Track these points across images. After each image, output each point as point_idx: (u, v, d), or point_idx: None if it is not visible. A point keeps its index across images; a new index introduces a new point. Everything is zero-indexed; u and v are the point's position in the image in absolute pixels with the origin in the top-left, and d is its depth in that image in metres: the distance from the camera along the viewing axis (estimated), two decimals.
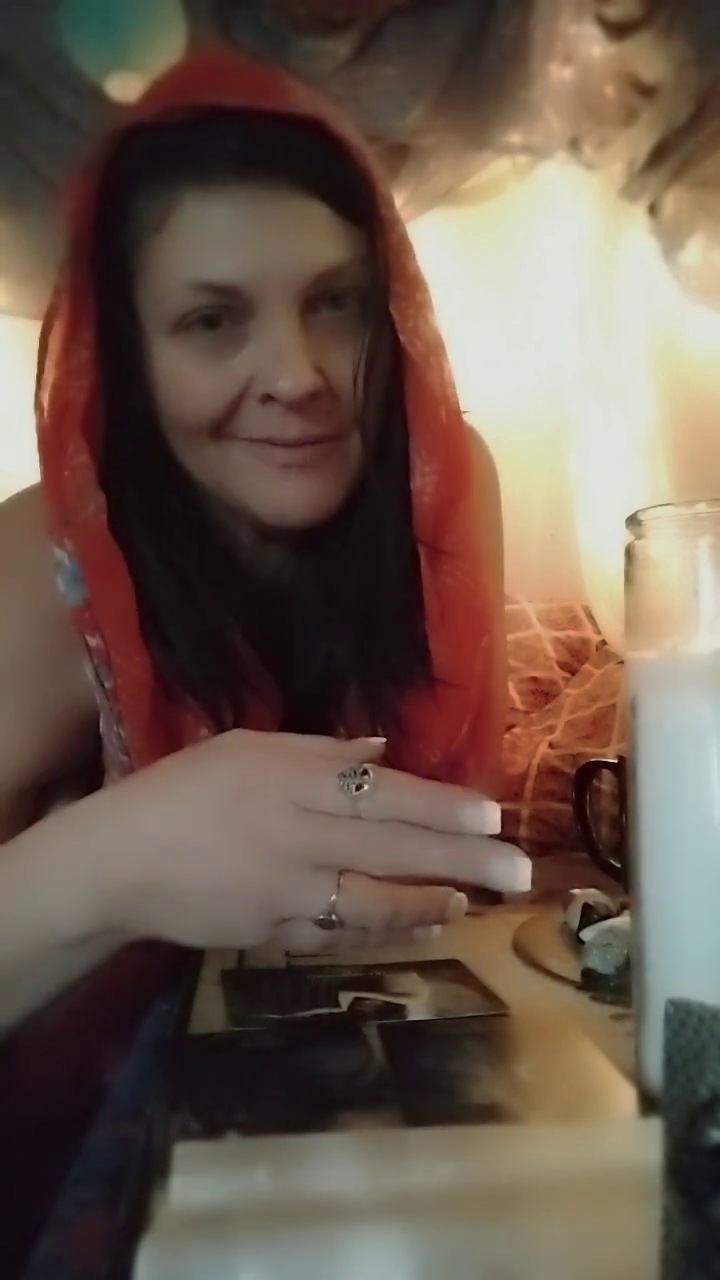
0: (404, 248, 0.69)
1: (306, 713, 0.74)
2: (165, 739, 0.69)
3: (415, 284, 0.69)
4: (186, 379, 0.66)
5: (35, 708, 0.71)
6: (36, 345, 0.71)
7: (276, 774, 0.46)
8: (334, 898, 0.44)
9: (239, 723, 0.69)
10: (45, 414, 0.69)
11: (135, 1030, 0.58)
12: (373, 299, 0.66)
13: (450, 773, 0.76)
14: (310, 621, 0.75)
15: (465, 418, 0.75)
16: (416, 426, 0.70)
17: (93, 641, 0.69)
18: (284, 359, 0.63)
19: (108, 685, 0.70)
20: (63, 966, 0.51)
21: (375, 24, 2.02)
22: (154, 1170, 0.33)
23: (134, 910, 0.48)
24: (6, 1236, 0.38)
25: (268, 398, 0.65)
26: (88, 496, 0.67)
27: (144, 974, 0.65)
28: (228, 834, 0.45)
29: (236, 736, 0.51)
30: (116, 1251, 0.30)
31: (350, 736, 0.75)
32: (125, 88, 1.85)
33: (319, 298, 0.65)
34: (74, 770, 0.74)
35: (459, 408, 0.73)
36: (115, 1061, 0.55)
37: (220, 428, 0.67)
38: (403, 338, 0.68)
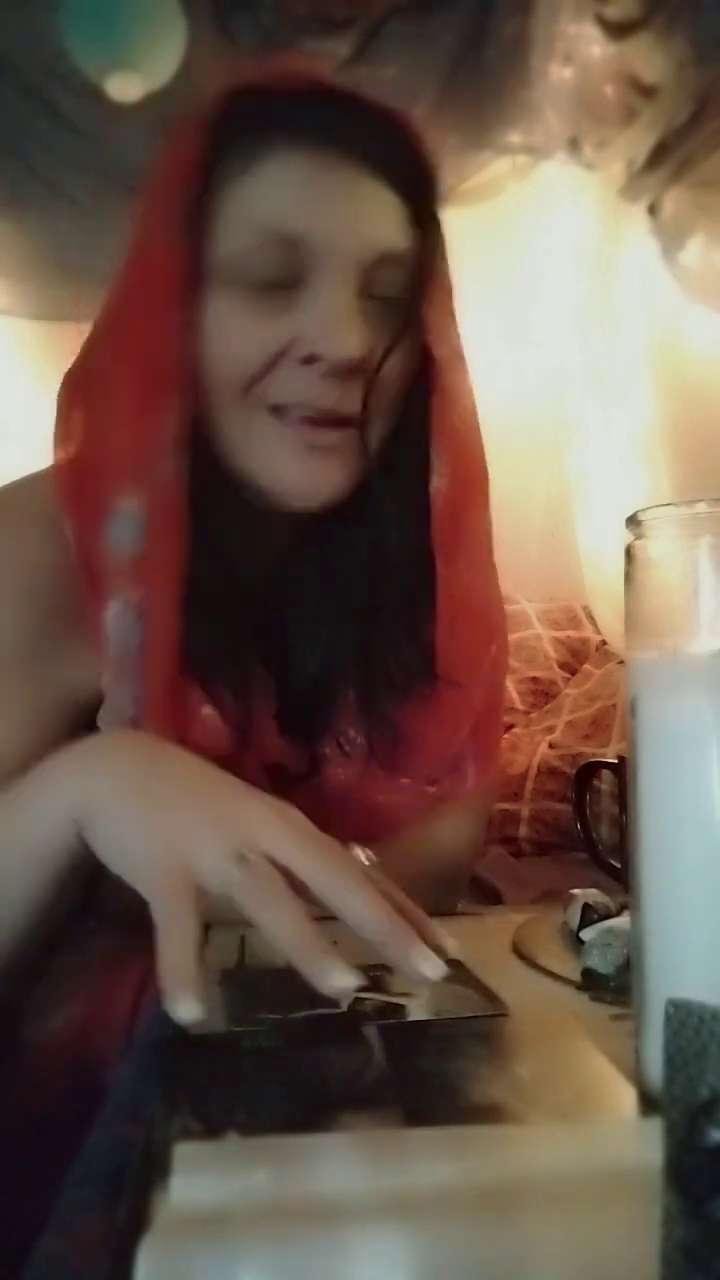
0: (444, 257, 0.72)
1: (300, 709, 0.74)
2: (176, 706, 0.69)
3: (450, 292, 0.72)
4: (232, 330, 0.67)
5: (30, 695, 0.70)
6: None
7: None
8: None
9: (241, 709, 0.70)
10: (123, 371, 0.69)
11: (135, 1030, 0.58)
12: (413, 296, 0.69)
13: (451, 777, 0.76)
14: (309, 617, 0.75)
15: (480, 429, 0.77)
16: (437, 429, 0.72)
17: (136, 594, 0.69)
18: (334, 321, 0.65)
19: (136, 640, 0.69)
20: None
21: (375, 24, 2.02)
22: (154, 1170, 0.33)
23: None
24: (6, 1236, 0.38)
25: (310, 359, 0.66)
26: (170, 454, 0.67)
27: (144, 974, 0.65)
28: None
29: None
30: (116, 1251, 0.30)
31: (344, 738, 0.74)
32: (125, 88, 1.86)
33: (369, 287, 0.67)
34: None
35: (477, 418, 0.75)
36: (115, 1061, 0.55)
37: (253, 388, 0.67)
38: (429, 337, 0.70)
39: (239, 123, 0.67)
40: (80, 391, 0.72)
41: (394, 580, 0.73)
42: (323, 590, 0.75)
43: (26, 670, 0.70)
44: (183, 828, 0.51)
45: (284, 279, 0.66)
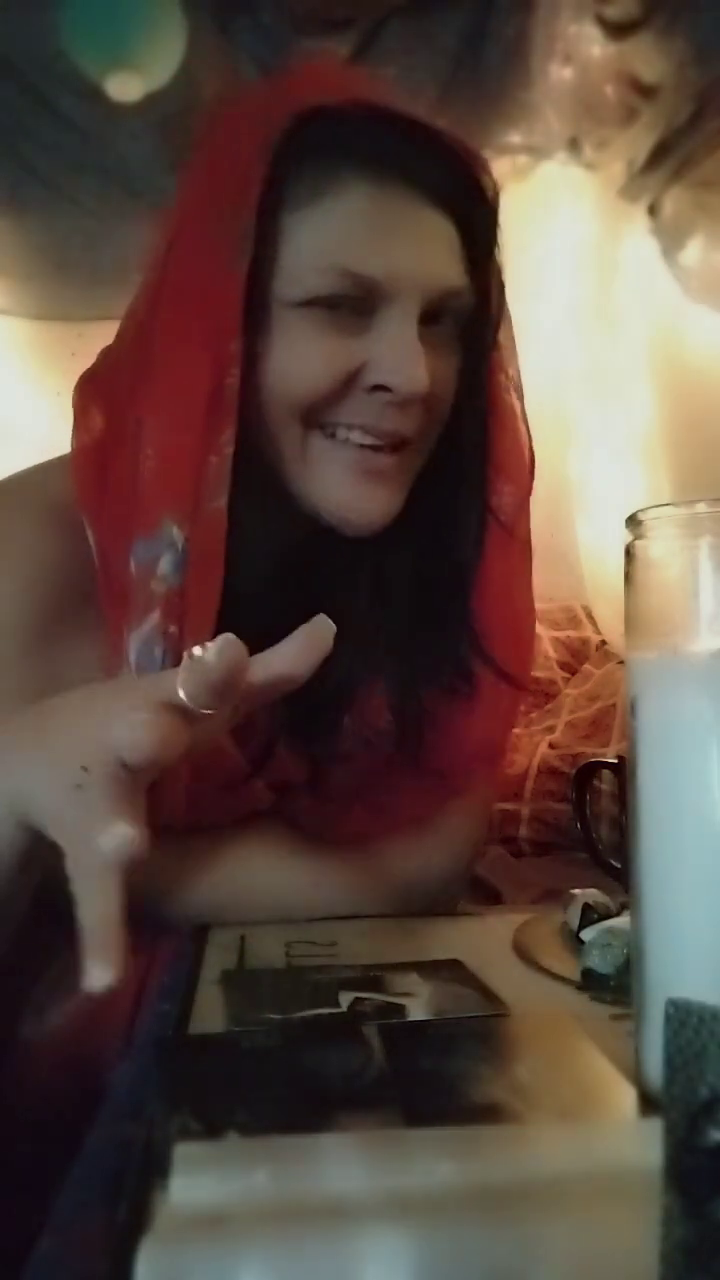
0: (504, 284, 0.74)
1: (313, 712, 0.74)
2: None
3: (509, 319, 0.75)
4: (302, 354, 0.67)
5: (30, 688, 0.70)
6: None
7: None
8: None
9: (260, 739, 0.70)
10: (176, 396, 0.68)
11: (135, 1030, 0.58)
12: (477, 327, 0.72)
13: (459, 775, 0.76)
14: (347, 629, 0.74)
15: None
16: (499, 450, 0.75)
17: (172, 628, 0.67)
18: (408, 357, 0.66)
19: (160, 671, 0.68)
20: None
21: (375, 24, 2.02)
22: (154, 1170, 0.33)
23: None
24: (6, 1236, 0.38)
25: (377, 388, 0.66)
26: (222, 486, 0.67)
27: (144, 974, 0.65)
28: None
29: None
30: (116, 1251, 0.30)
31: (362, 728, 0.74)
32: (125, 88, 1.86)
33: (431, 313, 0.68)
34: None
35: (529, 432, 0.78)
36: (115, 1061, 0.55)
37: (316, 413, 0.68)
38: (497, 365, 0.74)
39: (308, 149, 0.66)
40: (103, 396, 0.71)
41: (442, 587, 0.75)
42: (364, 604, 0.75)
43: (29, 663, 0.70)
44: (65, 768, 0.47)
45: (351, 306, 0.66)
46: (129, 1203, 0.32)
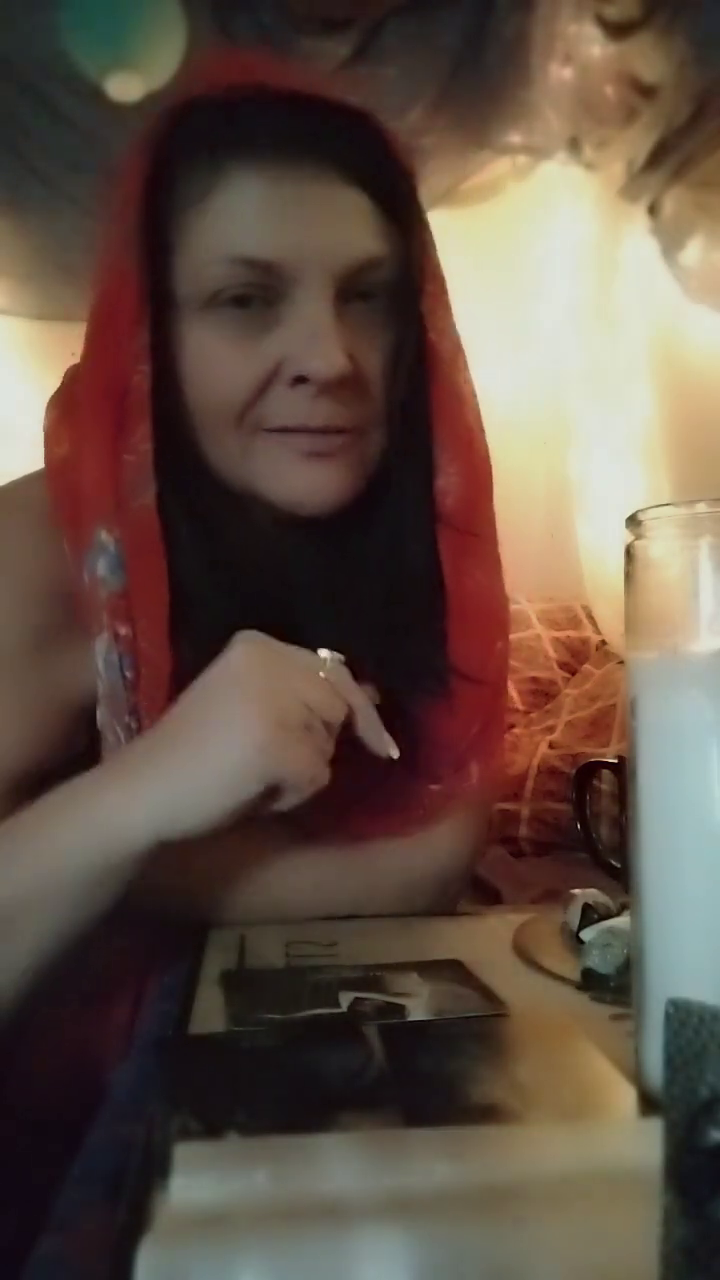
0: (433, 247, 0.70)
1: None
2: None
3: (443, 284, 0.71)
4: (216, 358, 0.66)
5: (30, 697, 0.70)
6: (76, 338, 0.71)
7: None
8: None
9: None
10: (97, 399, 0.68)
11: (135, 1030, 0.58)
12: (404, 296, 0.68)
13: (455, 775, 0.76)
14: (322, 625, 0.74)
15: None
16: (441, 426, 0.71)
17: (123, 630, 0.69)
18: (318, 339, 0.64)
19: (129, 675, 0.69)
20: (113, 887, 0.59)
21: (375, 24, 2.02)
22: (154, 1170, 0.33)
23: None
24: (6, 1236, 0.38)
25: (298, 380, 0.65)
26: (144, 484, 0.67)
27: (144, 974, 0.65)
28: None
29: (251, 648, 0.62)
30: (116, 1251, 0.30)
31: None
32: (125, 88, 1.85)
33: (351, 290, 0.66)
34: (68, 765, 0.74)
35: (479, 409, 0.74)
36: (115, 1061, 0.55)
37: (246, 414, 0.67)
38: (432, 335, 0.69)
39: (189, 143, 0.65)
40: (67, 412, 0.72)
41: (408, 582, 0.73)
42: (337, 597, 0.74)
43: (26, 671, 0.70)
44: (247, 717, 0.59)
45: (261, 297, 0.65)
46: (129, 1203, 0.32)
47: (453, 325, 0.72)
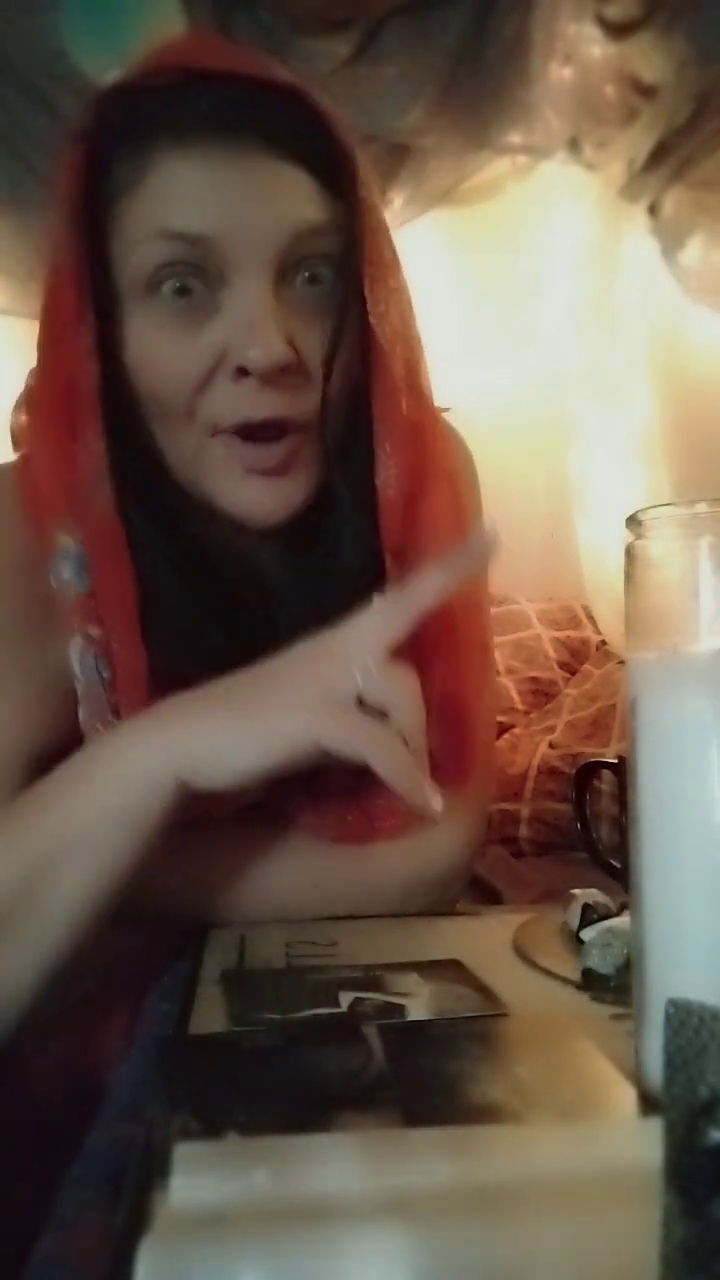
0: (381, 232, 0.68)
1: None
2: None
3: (390, 269, 0.68)
4: (158, 348, 0.65)
5: (30, 673, 0.70)
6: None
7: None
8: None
9: None
10: (48, 399, 0.68)
11: (135, 1030, 0.58)
12: (346, 277, 0.66)
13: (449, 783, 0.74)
14: (294, 622, 0.74)
15: (440, 415, 0.74)
16: (380, 419, 0.69)
17: (94, 632, 0.69)
18: (255, 327, 0.62)
19: (105, 676, 0.69)
20: (133, 820, 0.59)
21: (375, 24, 2.02)
22: (154, 1170, 0.33)
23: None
24: (6, 1236, 0.38)
25: (241, 372, 0.64)
26: (100, 484, 0.66)
27: (144, 974, 0.65)
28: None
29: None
30: (116, 1251, 0.30)
31: None
32: None
33: (294, 267, 0.64)
34: (70, 746, 0.74)
35: (429, 401, 0.72)
36: (115, 1061, 0.55)
37: (195, 410, 0.66)
38: (372, 320, 0.67)
39: (120, 130, 0.64)
40: (27, 413, 0.73)
41: (347, 580, 0.70)
42: (307, 595, 0.74)
43: (19, 654, 0.70)
44: (299, 684, 0.60)
45: (200, 282, 0.63)
46: (129, 1203, 0.32)
47: (398, 311, 0.69)
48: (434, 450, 0.72)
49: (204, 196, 0.63)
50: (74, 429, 0.66)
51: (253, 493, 0.67)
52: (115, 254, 0.65)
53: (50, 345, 0.68)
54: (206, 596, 0.70)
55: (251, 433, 0.66)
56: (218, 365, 0.64)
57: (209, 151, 0.63)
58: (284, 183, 0.64)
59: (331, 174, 0.65)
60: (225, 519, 0.70)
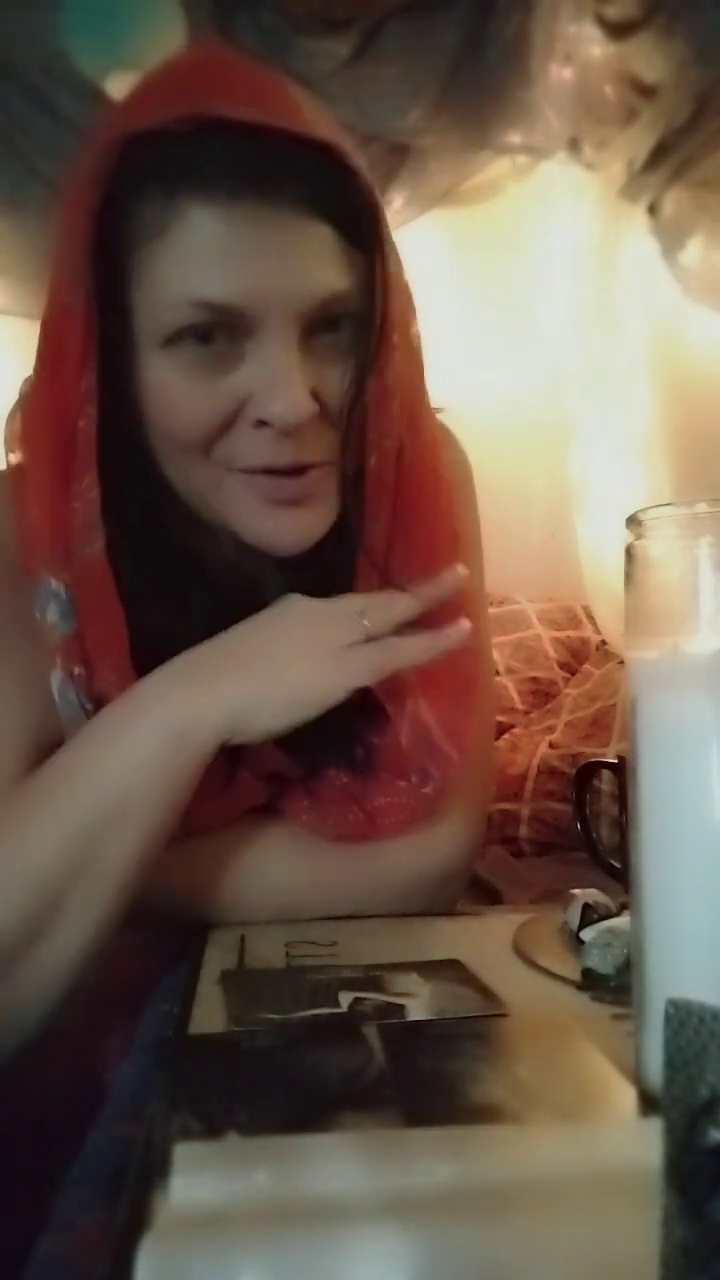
0: (397, 286, 0.68)
1: (301, 740, 0.74)
2: None
3: (399, 324, 0.68)
4: (177, 394, 0.65)
5: (25, 687, 0.70)
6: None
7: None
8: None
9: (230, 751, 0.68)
10: (44, 436, 0.68)
11: (135, 1030, 0.58)
12: (365, 331, 0.66)
13: (433, 765, 0.74)
14: None
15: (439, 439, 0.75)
16: (372, 471, 0.69)
17: (77, 670, 0.69)
18: (280, 385, 0.62)
19: (88, 709, 0.69)
20: (175, 772, 0.62)
21: (375, 24, 2.02)
22: (154, 1170, 0.33)
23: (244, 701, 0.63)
24: (6, 1236, 0.38)
25: (261, 423, 0.64)
26: (94, 531, 0.66)
27: (144, 974, 0.65)
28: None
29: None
30: (116, 1251, 0.30)
31: (345, 750, 0.74)
32: (125, 88, 1.85)
33: (318, 322, 0.64)
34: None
35: (427, 437, 0.73)
36: (115, 1061, 0.55)
37: (212, 450, 0.66)
38: (377, 369, 0.67)
39: (140, 178, 0.62)
40: (20, 433, 0.71)
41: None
42: None
43: (16, 661, 0.70)
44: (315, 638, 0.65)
45: (225, 335, 0.63)
46: (129, 1203, 0.33)
47: (407, 361, 0.69)
48: (428, 488, 0.73)
49: (236, 264, 0.62)
50: (68, 473, 0.66)
51: (274, 523, 0.68)
52: (135, 302, 0.64)
53: (50, 380, 0.67)
54: (204, 632, 0.69)
55: (272, 470, 0.66)
56: (239, 412, 0.64)
57: (239, 211, 0.61)
58: (314, 244, 0.63)
59: (356, 229, 0.65)
60: (237, 545, 0.70)
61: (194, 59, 0.80)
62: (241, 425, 0.65)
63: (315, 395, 0.64)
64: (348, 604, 0.67)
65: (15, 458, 0.72)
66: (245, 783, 0.73)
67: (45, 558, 0.68)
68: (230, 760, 0.70)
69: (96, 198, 0.63)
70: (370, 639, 0.66)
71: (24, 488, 0.69)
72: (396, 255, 0.68)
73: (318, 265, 0.63)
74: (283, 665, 0.64)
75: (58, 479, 0.66)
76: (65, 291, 0.65)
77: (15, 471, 0.71)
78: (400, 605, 0.68)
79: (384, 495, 0.70)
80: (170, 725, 0.62)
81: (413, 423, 0.71)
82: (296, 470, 0.66)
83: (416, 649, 0.67)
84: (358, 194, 0.65)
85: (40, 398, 0.69)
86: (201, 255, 0.62)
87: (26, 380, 0.72)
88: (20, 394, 0.73)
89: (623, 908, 0.61)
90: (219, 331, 0.63)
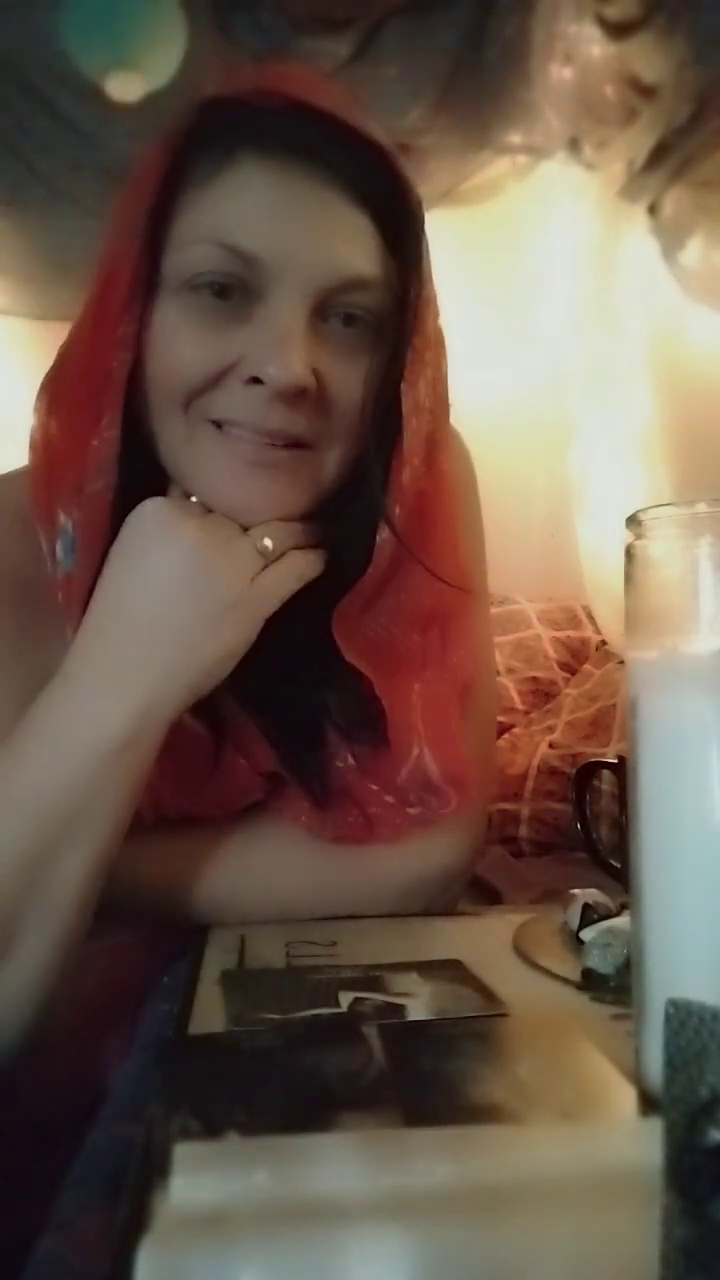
0: (429, 304, 0.69)
1: (286, 722, 0.74)
2: None
3: (429, 342, 0.69)
4: (179, 340, 0.65)
5: (18, 687, 0.70)
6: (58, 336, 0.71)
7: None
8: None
9: (209, 704, 0.68)
10: (80, 380, 0.68)
11: (135, 1030, 0.58)
12: (390, 335, 0.67)
13: (428, 797, 0.73)
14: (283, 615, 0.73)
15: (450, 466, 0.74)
16: (395, 478, 0.69)
17: (77, 611, 0.68)
18: (282, 345, 0.63)
19: None
20: (117, 784, 0.62)
21: (375, 24, 2.02)
22: (154, 1170, 0.33)
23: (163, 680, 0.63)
24: (6, 1236, 0.38)
25: (254, 381, 0.64)
26: (103, 471, 0.66)
27: (144, 974, 0.65)
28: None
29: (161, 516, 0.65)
30: (116, 1251, 0.30)
31: (335, 748, 0.74)
32: (125, 88, 1.85)
33: (333, 307, 0.65)
34: None
35: (445, 476, 0.73)
36: (115, 1061, 0.55)
37: (194, 401, 0.66)
38: (402, 387, 0.67)
39: (208, 133, 0.65)
40: (50, 399, 0.72)
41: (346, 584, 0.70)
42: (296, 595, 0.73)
43: (14, 665, 0.70)
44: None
45: (240, 292, 0.64)
46: (129, 1203, 0.33)
47: (425, 385, 0.69)
48: (438, 508, 0.72)
49: (270, 216, 0.63)
50: (97, 413, 0.66)
51: (247, 486, 0.66)
52: (171, 237, 0.65)
53: (92, 328, 0.68)
54: None
55: (264, 439, 0.66)
56: (232, 368, 0.64)
57: (289, 174, 0.63)
58: (348, 226, 0.65)
59: (396, 232, 0.66)
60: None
61: (285, 63, 0.86)
62: (233, 383, 0.65)
63: (316, 375, 0.64)
64: (248, 538, 0.66)
65: (45, 417, 0.72)
66: (242, 773, 0.73)
67: (63, 492, 0.69)
68: (214, 733, 0.71)
69: (168, 154, 0.65)
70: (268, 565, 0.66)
71: (59, 429, 0.70)
72: (431, 274, 0.70)
73: (346, 246, 0.65)
74: (197, 634, 0.63)
75: (88, 418, 0.67)
76: (122, 239, 0.66)
77: (52, 420, 0.72)
78: (301, 529, 0.68)
79: (404, 501, 0.70)
80: (101, 742, 0.61)
81: (433, 447, 0.71)
82: (280, 440, 0.66)
83: (315, 560, 0.67)
84: (403, 200, 0.67)
85: (81, 344, 0.69)
86: (241, 202, 0.64)
87: (62, 347, 0.73)
88: (56, 359, 0.73)
89: (623, 908, 0.61)
90: (235, 289, 0.64)
